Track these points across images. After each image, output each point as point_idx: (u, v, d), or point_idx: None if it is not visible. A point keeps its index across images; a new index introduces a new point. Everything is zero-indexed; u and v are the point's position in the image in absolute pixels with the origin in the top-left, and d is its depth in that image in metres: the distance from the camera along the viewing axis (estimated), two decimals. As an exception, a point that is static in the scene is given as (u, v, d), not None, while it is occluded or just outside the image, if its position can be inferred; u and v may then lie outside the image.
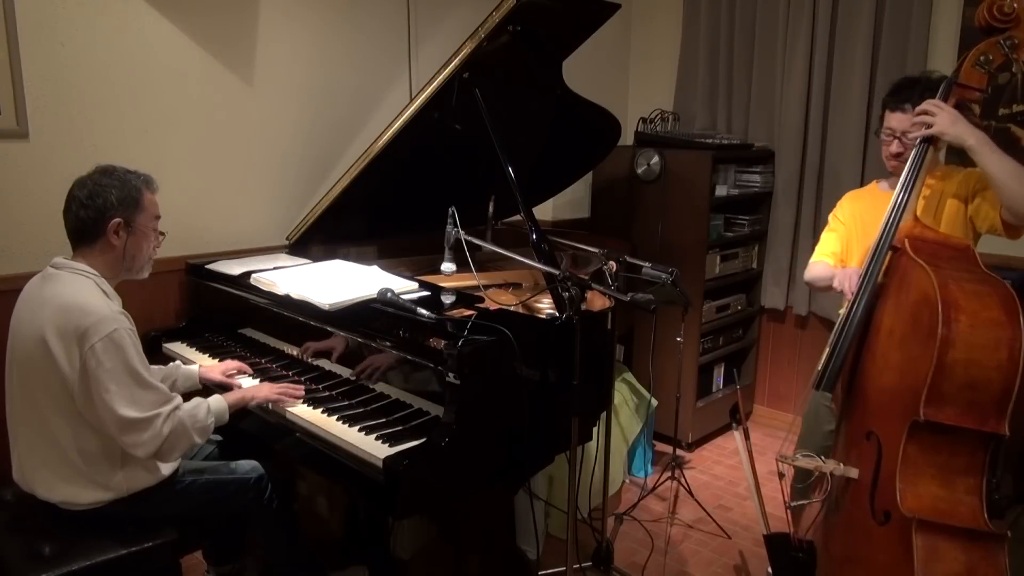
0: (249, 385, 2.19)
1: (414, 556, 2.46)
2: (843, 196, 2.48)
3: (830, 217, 2.46)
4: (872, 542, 1.88)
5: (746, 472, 2.29)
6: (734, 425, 2.33)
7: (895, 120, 2.15)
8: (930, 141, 1.99)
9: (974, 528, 1.75)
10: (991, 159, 1.95)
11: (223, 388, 2.22)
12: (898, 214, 1.98)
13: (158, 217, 1.99)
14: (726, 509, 3.17)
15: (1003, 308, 1.75)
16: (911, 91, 2.13)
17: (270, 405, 2.09)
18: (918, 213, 2.08)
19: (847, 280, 2.10)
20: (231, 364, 2.33)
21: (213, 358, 2.43)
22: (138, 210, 1.91)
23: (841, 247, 2.38)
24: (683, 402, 3.28)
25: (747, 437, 2.27)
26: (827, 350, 2.11)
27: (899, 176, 2.06)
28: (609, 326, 2.29)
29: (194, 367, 2.31)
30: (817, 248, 2.45)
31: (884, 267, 2.00)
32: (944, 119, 1.94)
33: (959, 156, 2.23)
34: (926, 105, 1.97)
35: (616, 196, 3.80)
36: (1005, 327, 1.73)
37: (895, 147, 2.16)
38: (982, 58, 1.96)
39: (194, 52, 2.67)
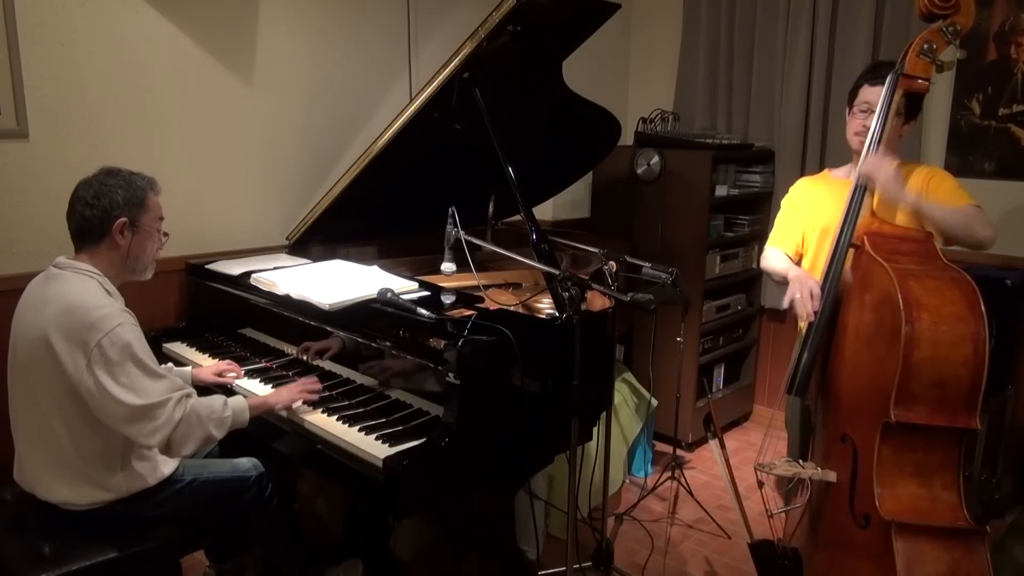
0: (265, 391, 2.20)
1: (414, 556, 2.46)
2: (796, 182, 2.51)
3: (784, 202, 2.48)
4: (855, 546, 1.87)
5: (725, 481, 2.29)
6: (709, 436, 2.32)
7: (874, 94, 2.17)
8: (867, 188, 2.04)
9: (954, 526, 1.74)
10: (932, 213, 2.03)
11: (220, 390, 2.23)
12: (847, 239, 2.03)
13: (161, 218, 1.99)
14: (726, 509, 3.17)
15: (965, 302, 1.75)
16: (891, 68, 2.14)
17: (284, 413, 2.07)
18: (875, 207, 2.10)
19: (805, 295, 2.08)
20: (222, 365, 2.34)
21: (213, 358, 2.43)
22: (143, 210, 1.92)
23: (797, 233, 2.39)
24: (683, 402, 3.28)
25: (723, 447, 2.27)
26: (796, 352, 2.12)
27: (859, 154, 2.13)
28: (609, 326, 2.29)
29: (187, 369, 2.32)
30: (772, 234, 2.47)
31: (846, 266, 2.02)
32: (885, 175, 2.00)
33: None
34: (871, 163, 2.03)
35: (616, 196, 3.80)
36: (968, 321, 1.73)
37: (870, 120, 2.17)
38: (926, 47, 1.99)
39: (194, 51, 2.67)
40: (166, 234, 2.02)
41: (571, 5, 2.51)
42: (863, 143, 2.15)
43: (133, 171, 1.94)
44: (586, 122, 2.96)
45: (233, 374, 2.31)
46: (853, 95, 2.26)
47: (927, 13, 2.00)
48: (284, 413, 2.07)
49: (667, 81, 4.12)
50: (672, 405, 3.17)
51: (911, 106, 2.11)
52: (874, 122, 2.05)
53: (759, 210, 3.82)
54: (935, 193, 2.15)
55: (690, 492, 3.18)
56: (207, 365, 2.36)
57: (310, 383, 2.12)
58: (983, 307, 1.74)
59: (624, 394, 3.25)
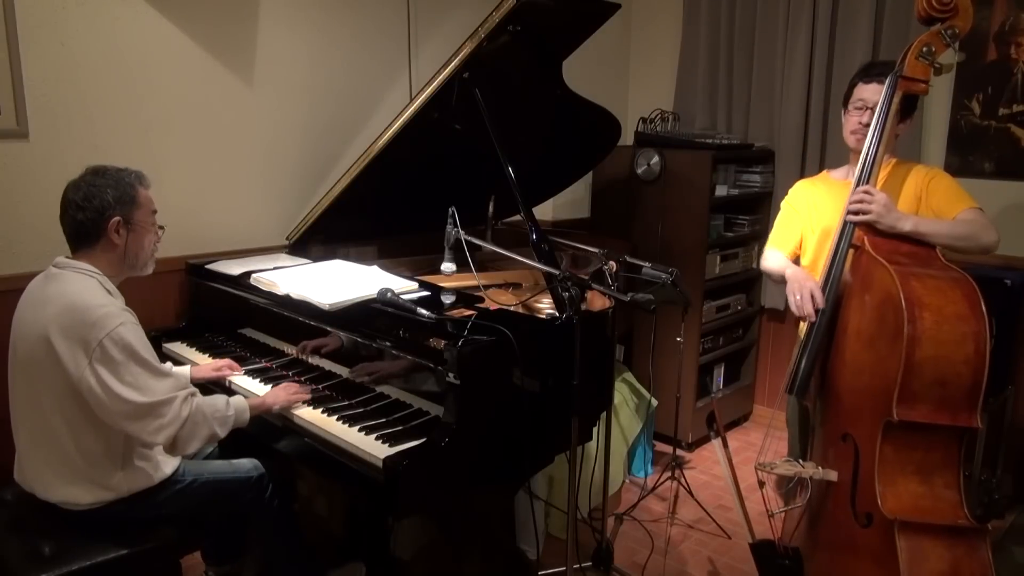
0: (264, 391, 2.20)
1: (414, 556, 2.46)
2: (795, 184, 2.52)
3: (783, 204, 2.50)
4: (857, 545, 1.88)
5: (727, 480, 2.28)
6: (711, 435, 2.33)
7: (868, 92, 2.18)
8: (859, 225, 2.03)
9: (955, 524, 1.75)
10: (933, 232, 2.01)
11: (217, 386, 2.24)
12: (845, 248, 2.02)
13: (155, 212, 1.98)
14: (726, 509, 3.17)
15: (966, 301, 1.76)
16: (884, 67, 2.17)
17: (276, 409, 2.08)
18: None
19: (805, 295, 2.09)
20: (220, 362, 2.34)
21: (213, 358, 2.43)
22: (135, 207, 1.91)
23: (796, 234, 2.41)
24: (683, 402, 3.28)
25: (725, 445, 2.27)
26: (796, 352, 2.12)
27: (861, 149, 2.11)
28: (609, 326, 2.29)
29: (185, 368, 2.32)
30: (772, 235, 2.48)
31: (846, 266, 2.03)
32: (879, 206, 1.99)
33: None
34: (860, 194, 2.02)
35: (616, 196, 3.80)
36: (969, 320, 1.74)
37: (867, 117, 2.18)
38: (925, 49, 2.00)
39: (194, 51, 2.67)
40: (162, 227, 2.02)
41: (571, 5, 2.51)
42: (860, 141, 2.16)
43: (120, 167, 1.93)
44: (586, 122, 2.96)
45: (239, 377, 2.31)
46: (848, 94, 2.27)
47: (926, 16, 2.01)
48: (276, 409, 2.08)
49: (667, 81, 4.12)
50: (672, 405, 3.17)
51: (907, 105, 2.12)
52: (873, 124, 2.06)
53: (759, 210, 3.82)
54: (933, 196, 2.15)
55: (690, 492, 3.18)
56: (204, 364, 2.37)
57: (299, 387, 2.14)
58: (984, 307, 1.75)
59: (624, 394, 3.25)
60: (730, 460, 2.27)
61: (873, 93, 2.16)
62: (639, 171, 3.61)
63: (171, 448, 1.88)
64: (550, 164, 3.08)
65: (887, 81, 2.05)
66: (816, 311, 2.05)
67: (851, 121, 2.24)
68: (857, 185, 2.04)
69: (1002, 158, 3.12)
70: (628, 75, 4.33)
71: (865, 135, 2.11)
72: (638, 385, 3.38)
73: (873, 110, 2.13)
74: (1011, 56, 3.06)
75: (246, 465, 2.13)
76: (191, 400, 1.86)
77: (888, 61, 2.23)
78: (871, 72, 2.20)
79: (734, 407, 4.00)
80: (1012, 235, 3.04)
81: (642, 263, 2.41)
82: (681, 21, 4.01)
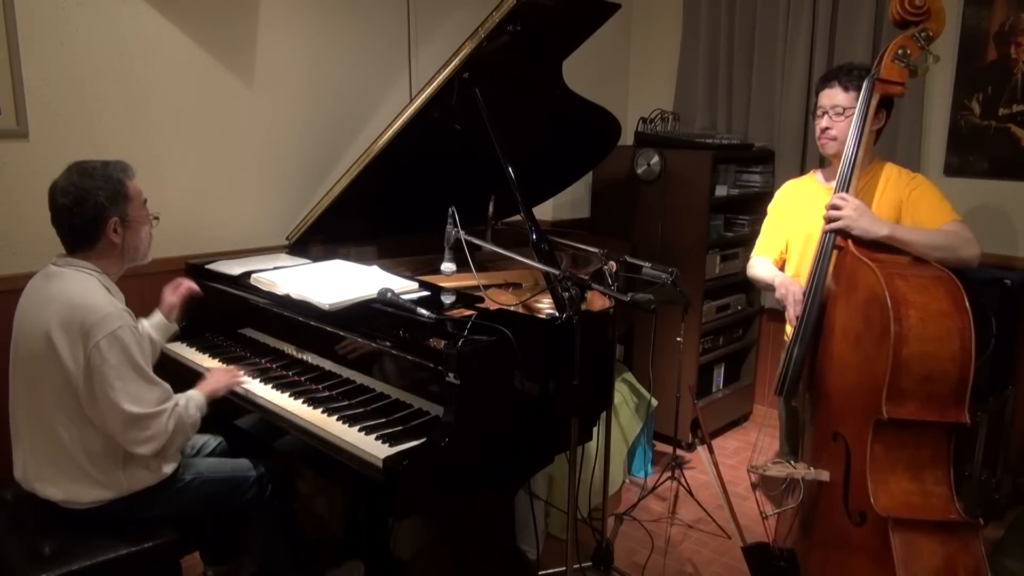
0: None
1: (414, 556, 2.46)
2: (781, 188, 2.54)
3: (769, 209, 2.52)
4: (851, 545, 1.89)
5: (715, 486, 2.29)
6: (696, 442, 2.34)
7: (824, 97, 2.24)
8: (836, 232, 2.04)
9: (947, 519, 1.76)
10: (909, 239, 2.01)
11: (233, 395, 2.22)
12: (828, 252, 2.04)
13: (145, 201, 1.97)
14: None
15: (950, 298, 1.79)
16: (837, 72, 2.22)
17: (221, 394, 2.12)
18: None
19: (791, 303, 2.12)
20: (182, 281, 2.38)
21: (213, 358, 2.43)
22: (127, 202, 1.90)
23: (781, 241, 2.43)
24: (683, 402, 3.28)
25: (711, 451, 2.27)
26: (784, 355, 2.13)
27: (829, 155, 2.19)
28: (609, 326, 2.29)
29: (156, 317, 2.31)
30: (758, 242, 2.51)
31: (831, 268, 2.05)
32: (851, 213, 2.00)
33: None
34: (834, 200, 2.03)
35: (616, 196, 3.80)
36: (954, 317, 1.76)
37: (824, 122, 2.23)
38: (900, 52, 2.03)
39: (194, 51, 2.67)
40: (156, 216, 2.01)
41: (571, 5, 2.51)
42: (824, 146, 2.23)
43: (104, 161, 1.90)
44: (586, 122, 2.96)
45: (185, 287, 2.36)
46: (815, 102, 2.31)
47: (900, 20, 2.05)
48: (222, 394, 2.11)
49: (667, 81, 4.12)
50: (672, 405, 3.17)
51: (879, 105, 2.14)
52: (852, 127, 2.07)
53: (759, 210, 3.78)
54: (916, 207, 2.15)
55: (690, 492, 3.18)
56: (207, 360, 2.37)
57: (234, 369, 2.20)
58: (968, 303, 1.76)
59: (624, 394, 3.25)
60: (716, 465, 2.27)
61: (828, 98, 2.21)
62: (639, 171, 3.61)
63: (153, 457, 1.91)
64: (550, 164, 3.08)
65: (864, 84, 2.06)
66: (796, 316, 2.08)
67: (817, 128, 2.28)
68: (838, 189, 2.06)
69: (1002, 158, 3.12)
70: (628, 75, 4.33)
71: (827, 143, 2.19)
72: (638, 385, 3.38)
73: (829, 114, 2.19)
74: (1011, 56, 3.06)
75: (245, 466, 2.13)
76: (176, 412, 1.88)
77: (842, 64, 2.28)
78: (827, 77, 2.25)
79: (734, 407, 4.00)
80: (1012, 235, 3.05)
81: (642, 263, 2.41)
82: (681, 21, 4.01)
